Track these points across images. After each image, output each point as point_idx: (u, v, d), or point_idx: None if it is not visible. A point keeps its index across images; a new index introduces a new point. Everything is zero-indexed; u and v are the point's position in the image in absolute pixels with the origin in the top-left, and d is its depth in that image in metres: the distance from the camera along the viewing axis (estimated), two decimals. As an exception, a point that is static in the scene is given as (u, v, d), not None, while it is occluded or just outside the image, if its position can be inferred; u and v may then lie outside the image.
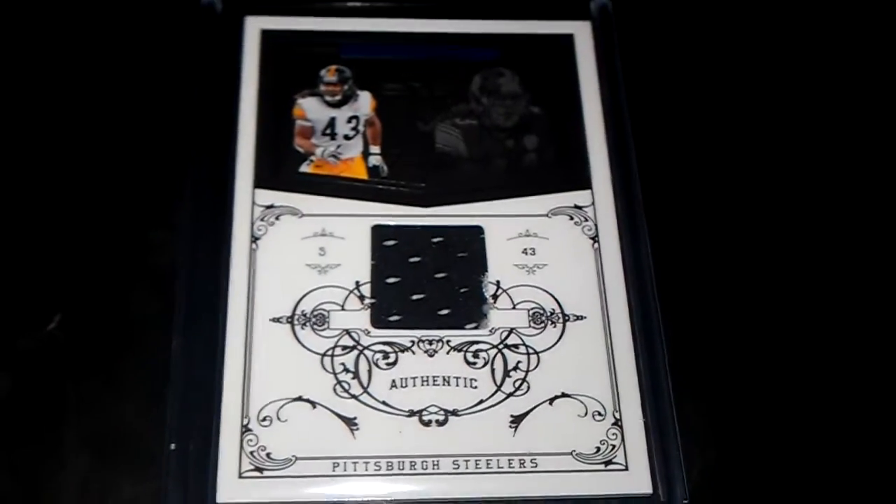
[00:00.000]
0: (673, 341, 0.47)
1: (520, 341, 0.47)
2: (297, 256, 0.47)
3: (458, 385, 0.45)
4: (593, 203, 0.50)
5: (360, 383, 0.46)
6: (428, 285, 0.47)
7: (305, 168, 0.50)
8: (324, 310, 0.47)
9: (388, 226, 0.49)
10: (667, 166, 0.53)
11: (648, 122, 0.53)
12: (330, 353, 0.46)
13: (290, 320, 0.47)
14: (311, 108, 0.51)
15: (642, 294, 0.48)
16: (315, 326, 0.47)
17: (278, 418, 0.45)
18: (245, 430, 0.44)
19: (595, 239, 0.49)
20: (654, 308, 0.48)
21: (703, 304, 0.50)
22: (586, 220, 0.50)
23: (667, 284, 0.49)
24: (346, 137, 0.51)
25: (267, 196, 0.49)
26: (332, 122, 0.51)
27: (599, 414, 0.45)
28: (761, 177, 0.54)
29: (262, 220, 0.49)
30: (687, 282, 0.51)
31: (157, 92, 0.53)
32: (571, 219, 0.50)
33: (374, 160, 0.50)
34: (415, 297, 0.47)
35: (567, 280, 0.48)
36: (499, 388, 0.46)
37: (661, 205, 0.51)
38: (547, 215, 0.50)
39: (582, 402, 0.45)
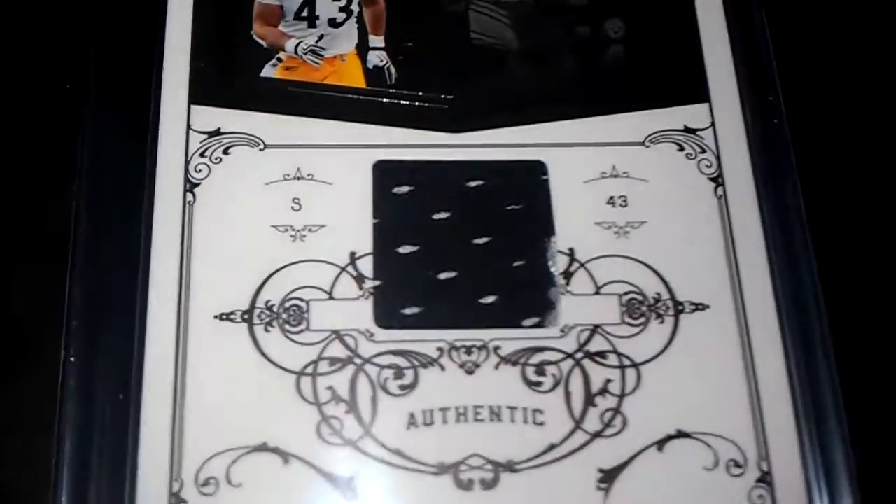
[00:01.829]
0: (845, 344, 0.34)
1: (608, 346, 0.33)
2: (257, 213, 0.34)
3: (513, 421, 0.32)
4: (713, 124, 0.36)
5: (360, 420, 0.32)
6: (462, 257, 0.34)
7: (270, 72, 0.36)
8: (300, 300, 0.33)
9: (399, 163, 0.35)
10: (822, 66, 0.39)
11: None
12: (311, 370, 0.32)
13: (248, 318, 0.33)
14: (278, -22, 0.37)
15: (794, 269, 0.34)
16: (287, 328, 0.33)
17: (229, 481, 0.31)
18: (176, 501, 0.30)
19: (718, 181, 0.35)
20: (814, 292, 0.34)
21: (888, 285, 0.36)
22: (703, 150, 0.36)
23: (831, 253, 0.35)
24: (334, 23, 0.37)
25: (210, 117, 0.35)
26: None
27: (737, 464, 0.32)
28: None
29: (201, 155, 0.35)
30: (866, 247, 0.37)
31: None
32: (681, 149, 0.36)
33: (376, 58, 0.37)
34: (442, 276, 0.34)
35: (678, 247, 0.34)
36: (578, 424, 0.32)
37: (815, 124, 0.38)
38: (643, 144, 0.36)
39: (709, 446, 0.32)
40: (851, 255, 0.37)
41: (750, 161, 0.36)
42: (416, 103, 0.36)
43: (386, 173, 0.35)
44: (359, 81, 0.36)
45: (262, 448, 0.31)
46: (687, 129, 0.36)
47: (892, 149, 0.39)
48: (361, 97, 0.36)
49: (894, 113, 0.39)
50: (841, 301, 0.35)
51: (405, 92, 0.36)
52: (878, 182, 0.38)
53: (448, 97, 0.36)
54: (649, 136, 0.36)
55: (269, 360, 0.32)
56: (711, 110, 0.36)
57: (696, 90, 0.37)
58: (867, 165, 0.38)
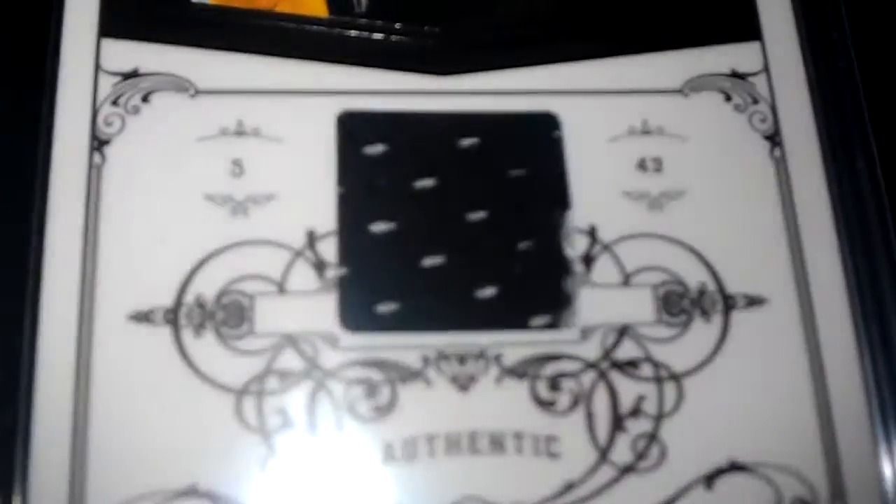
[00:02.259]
0: None
1: (641, 353, 0.27)
2: (185, 180, 0.28)
3: (519, 452, 0.26)
4: (766, 68, 0.30)
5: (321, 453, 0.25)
6: (452, 238, 0.27)
7: None
8: (243, 294, 0.26)
9: (371, 115, 0.29)
10: None
11: None
12: (256, 388, 0.25)
13: (172, 318, 0.26)
14: None
15: (871, 252, 0.28)
16: (225, 331, 0.26)
17: (148, 535, 0.24)
18: (77, 562, 0.24)
19: (775, 140, 0.29)
20: (894, 278, 0.28)
21: None
22: (755, 101, 0.30)
23: None
24: None
25: (125, 54, 0.29)
26: None
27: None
28: None
29: (114, 103, 0.28)
30: None
31: None
32: (728, 99, 0.30)
33: None
34: (427, 262, 0.27)
35: (727, 224, 0.29)
36: (604, 456, 0.26)
37: (892, 67, 0.32)
38: (681, 91, 0.30)
39: (770, 481, 0.26)
40: None
41: (813, 114, 0.30)
42: (393, 38, 0.29)
43: (354, 128, 0.28)
44: (319, 9, 0.30)
45: (191, 492, 0.24)
46: (735, 74, 0.30)
47: None
48: (323, 29, 0.30)
49: None
50: None
51: (378, 23, 0.30)
52: None
53: (433, 30, 0.30)
54: (689, 81, 0.30)
55: (200, 374, 0.25)
56: (765, 50, 0.31)
57: (745, 25, 0.31)
58: None
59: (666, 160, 0.29)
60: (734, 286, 0.27)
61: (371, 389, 0.25)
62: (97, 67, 0.28)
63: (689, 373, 0.26)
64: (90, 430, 0.24)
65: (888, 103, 0.31)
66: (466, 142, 0.28)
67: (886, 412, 0.27)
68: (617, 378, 0.26)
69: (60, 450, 0.24)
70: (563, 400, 0.26)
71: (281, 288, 0.26)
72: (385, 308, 0.26)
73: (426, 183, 0.28)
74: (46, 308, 0.25)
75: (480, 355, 0.26)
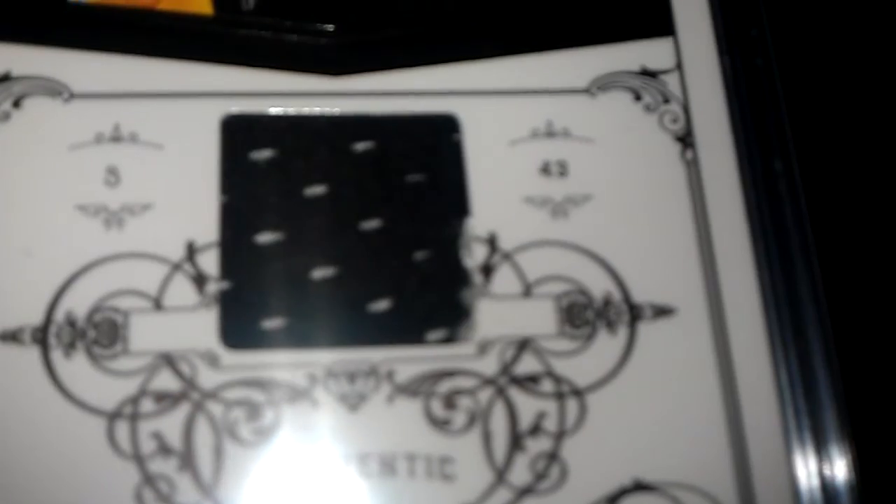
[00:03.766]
0: (851, 358, 0.28)
1: (542, 368, 0.26)
2: (57, 189, 0.26)
3: (412, 474, 0.24)
4: (679, 65, 0.29)
5: (198, 479, 0.24)
6: (344, 248, 0.26)
7: None
8: (116, 311, 0.25)
9: (258, 119, 0.28)
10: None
11: None
12: (130, 410, 0.24)
13: (41, 337, 0.25)
14: None
15: (786, 259, 0.28)
16: (97, 350, 0.24)
17: (10, 571, 0.23)
18: None
19: (686, 141, 0.28)
20: (812, 289, 0.27)
21: None
22: (666, 100, 0.29)
23: (832, 235, 0.30)
24: None
25: None
26: None
27: None
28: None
29: None
30: (872, 227, 0.31)
31: None
32: (638, 98, 0.29)
33: None
34: (317, 274, 0.26)
35: (634, 231, 0.28)
36: (501, 477, 0.25)
37: (810, 70, 0.32)
38: (588, 91, 0.29)
39: (678, 501, 0.25)
40: (859, 240, 0.31)
41: (728, 114, 0.29)
42: (283, 36, 0.28)
43: (239, 132, 0.27)
44: (204, 6, 0.29)
45: None
46: (645, 72, 0.29)
47: None
48: (207, 28, 0.28)
49: None
50: (847, 301, 0.29)
51: (267, 20, 0.29)
52: (890, 141, 0.31)
53: (327, 28, 0.28)
54: (596, 80, 0.29)
55: (70, 396, 0.24)
56: (677, 47, 0.30)
57: (658, 20, 0.30)
58: (875, 117, 0.32)
59: (571, 163, 0.28)
60: (641, 296, 0.26)
61: (253, 411, 0.24)
62: None
63: (593, 388, 0.25)
64: None
65: (808, 103, 0.30)
66: (361, 146, 0.27)
67: (801, 426, 0.26)
68: (516, 394, 0.25)
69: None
70: (459, 419, 0.25)
71: (157, 304, 0.25)
72: (270, 324, 0.25)
73: (317, 190, 0.27)
74: None
75: (371, 372, 0.25)
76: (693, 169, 0.28)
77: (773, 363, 0.26)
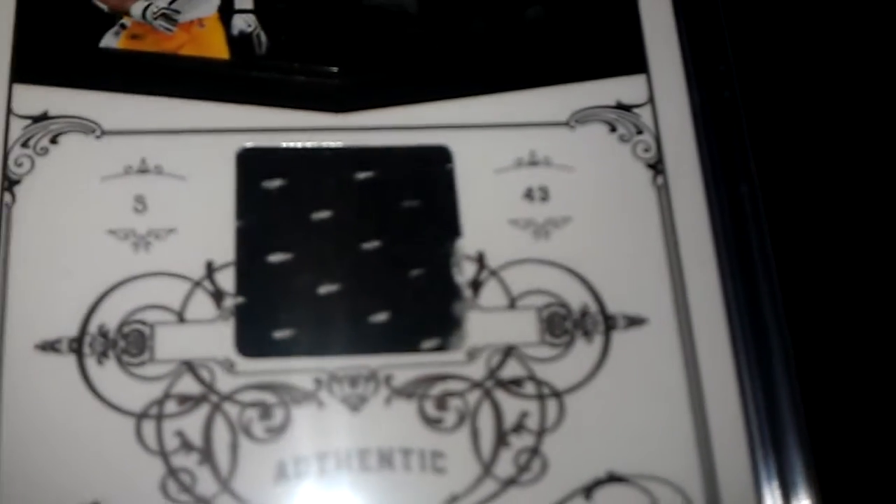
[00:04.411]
0: (809, 365, 0.29)
1: (525, 372, 0.27)
2: (91, 216, 0.28)
3: (407, 468, 0.26)
4: (651, 99, 0.31)
5: (216, 473, 0.26)
6: (347, 267, 0.28)
7: (112, 41, 0.30)
8: (144, 323, 0.27)
9: (271, 151, 0.29)
10: (781, 30, 0.34)
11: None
12: (155, 411, 0.26)
13: (77, 347, 0.27)
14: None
15: (749, 275, 0.29)
16: (126, 359, 0.27)
17: (52, 550, 0.25)
18: (-17, 579, 0.25)
19: (657, 168, 0.30)
20: (773, 302, 0.29)
21: (862, 288, 0.32)
22: (639, 131, 0.30)
23: (793, 255, 0.31)
24: None
25: (35, 98, 0.29)
26: (163, -47, 0.31)
27: None
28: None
29: (24, 145, 0.29)
30: (829, 246, 0.32)
31: None
32: (613, 129, 0.30)
33: (243, 23, 0.31)
34: (323, 290, 0.28)
35: (609, 249, 0.29)
36: (487, 470, 0.26)
37: (773, 99, 0.33)
38: (568, 124, 0.30)
39: (647, 491, 0.27)
40: (817, 258, 0.32)
41: (696, 144, 0.30)
42: (292, 78, 0.30)
43: (253, 164, 0.29)
44: (221, 52, 0.30)
45: None
46: (620, 106, 0.31)
47: (865, 131, 0.34)
48: (224, 71, 0.30)
49: (865, 88, 0.34)
50: (804, 314, 0.30)
51: (278, 63, 0.30)
52: (849, 170, 0.33)
53: (331, 70, 0.30)
54: (575, 114, 0.30)
55: (102, 399, 0.26)
56: (650, 82, 0.31)
57: (631, 58, 0.31)
58: (836, 149, 0.33)
59: (552, 189, 0.29)
60: (615, 307, 0.28)
61: (265, 412, 0.26)
62: (9, 111, 0.28)
63: (571, 390, 0.27)
64: (1, 452, 0.25)
65: (770, 132, 0.32)
66: (362, 175, 0.29)
67: (762, 425, 0.27)
68: (501, 396, 0.27)
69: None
70: (450, 418, 0.27)
71: (180, 317, 0.27)
72: (281, 334, 0.27)
73: (322, 215, 0.28)
74: (-43, 340, 0.26)
75: (371, 377, 0.27)
76: (663, 193, 0.29)
77: (735, 368, 0.28)
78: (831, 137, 0.33)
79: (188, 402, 0.26)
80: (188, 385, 0.26)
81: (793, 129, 0.33)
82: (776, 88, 0.33)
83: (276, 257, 0.28)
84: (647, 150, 0.30)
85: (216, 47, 0.30)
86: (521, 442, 0.27)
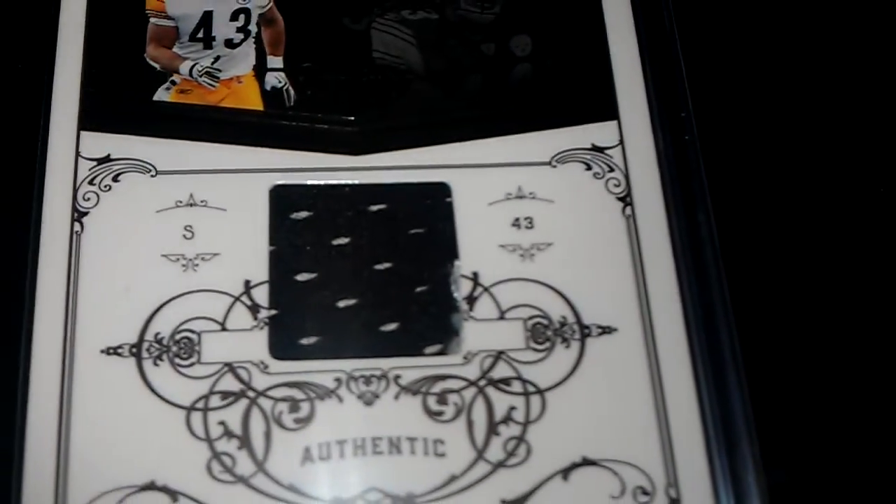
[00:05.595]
0: (757, 368, 0.32)
1: (513, 373, 0.31)
2: (147, 242, 0.32)
3: (413, 452, 0.30)
4: (622, 142, 0.34)
5: (253, 456, 0.30)
6: (363, 284, 0.32)
7: (164, 95, 0.34)
8: (192, 332, 0.31)
9: (298, 188, 0.33)
10: (735, 82, 0.37)
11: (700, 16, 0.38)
12: (202, 405, 0.30)
13: (136, 351, 0.31)
14: (173, -1, 0.35)
15: (705, 291, 0.32)
16: (177, 361, 0.31)
17: (116, 521, 0.28)
18: (59, 544, 0.28)
19: (627, 201, 0.33)
20: (725, 314, 0.32)
21: (803, 303, 0.35)
22: (611, 169, 0.34)
23: (743, 274, 0.34)
24: (231, 44, 0.35)
25: (99, 143, 0.33)
26: (206, 20, 0.35)
27: (644, 492, 0.30)
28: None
29: (90, 182, 0.33)
30: (776, 267, 0.35)
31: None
32: (588, 168, 0.34)
33: (275, 80, 0.35)
34: (342, 303, 0.31)
35: (585, 269, 0.32)
36: (481, 454, 0.30)
37: (728, 141, 0.36)
38: (550, 163, 0.34)
39: (615, 473, 0.30)
40: (765, 277, 0.35)
41: (660, 179, 0.33)
42: (316, 125, 0.34)
43: (283, 198, 0.33)
44: (256, 104, 0.34)
45: (151, 486, 0.29)
46: (595, 148, 0.34)
47: (807, 168, 0.37)
48: (259, 120, 0.34)
49: (808, 132, 0.37)
50: (753, 324, 0.33)
51: (304, 114, 0.34)
52: (793, 202, 0.36)
53: (349, 119, 0.34)
54: (556, 155, 0.34)
55: (157, 394, 0.30)
56: (620, 128, 0.34)
57: (604, 107, 0.34)
58: (782, 184, 0.36)
59: (536, 219, 0.33)
60: (589, 318, 0.31)
61: (294, 405, 0.30)
62: (77, 154, 0.32)
63: (552, 388, 0.30)
64: (72, 439, 0.29)
65: (725, 169, 0.35)
66: (375, 207, 0.32)
67: (715, 417, 0.30)
68: (493, 393, 0.30)
69: (48, 455, 0.29)
70: (449, 411, 0.30)
71: (223, 326, 0.31)
72: (307, 341, 0.31)
73: (342, 241, 0.32)
74: (37, 345, 0.30)
75: (382, 377, 0.30)
76: (631, 222, 0.33)
77: (692, 369, 0.31)
78: (777, 175, 0.36)
79: (229, 397, 0.30)
80: (229, 383, 0.30)
81: (744, 167, 0.36)
82: (730, 133, 0.36)
83: (302, 276, 0.32)
84: (617, 186, 0.33)
85: (252, 100, 0.34)
86: (509, 431, 0.30)
